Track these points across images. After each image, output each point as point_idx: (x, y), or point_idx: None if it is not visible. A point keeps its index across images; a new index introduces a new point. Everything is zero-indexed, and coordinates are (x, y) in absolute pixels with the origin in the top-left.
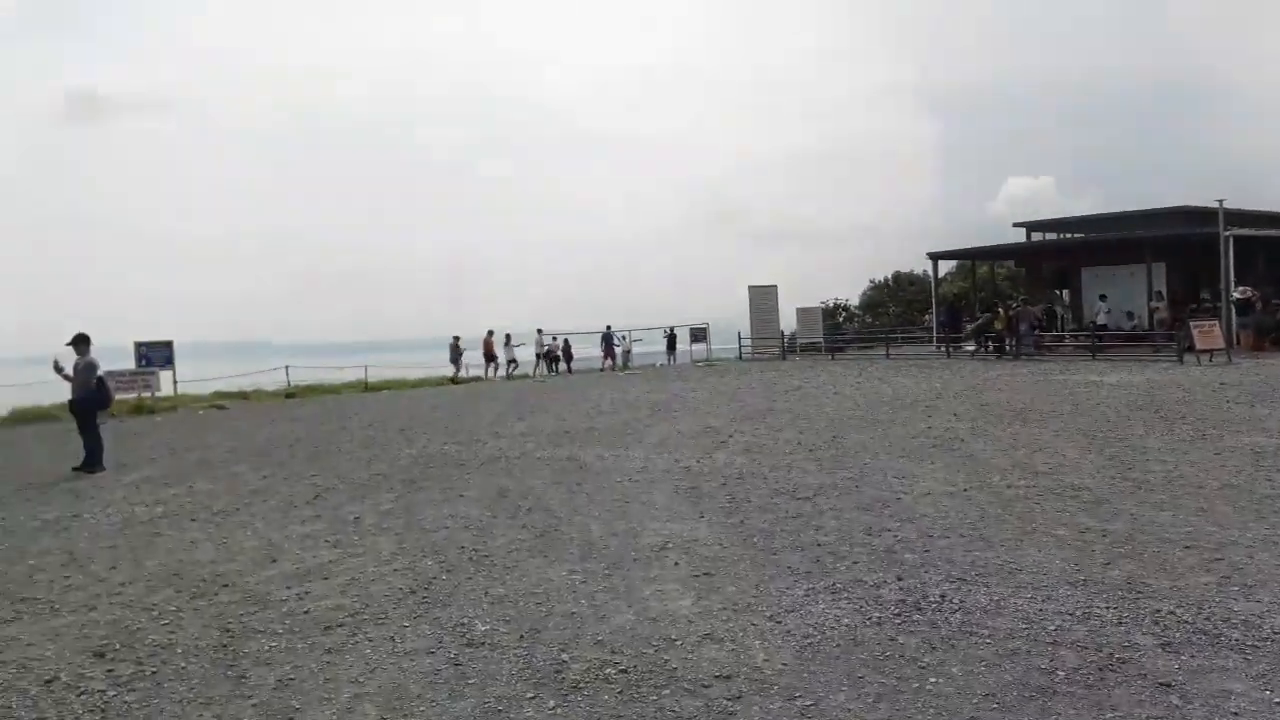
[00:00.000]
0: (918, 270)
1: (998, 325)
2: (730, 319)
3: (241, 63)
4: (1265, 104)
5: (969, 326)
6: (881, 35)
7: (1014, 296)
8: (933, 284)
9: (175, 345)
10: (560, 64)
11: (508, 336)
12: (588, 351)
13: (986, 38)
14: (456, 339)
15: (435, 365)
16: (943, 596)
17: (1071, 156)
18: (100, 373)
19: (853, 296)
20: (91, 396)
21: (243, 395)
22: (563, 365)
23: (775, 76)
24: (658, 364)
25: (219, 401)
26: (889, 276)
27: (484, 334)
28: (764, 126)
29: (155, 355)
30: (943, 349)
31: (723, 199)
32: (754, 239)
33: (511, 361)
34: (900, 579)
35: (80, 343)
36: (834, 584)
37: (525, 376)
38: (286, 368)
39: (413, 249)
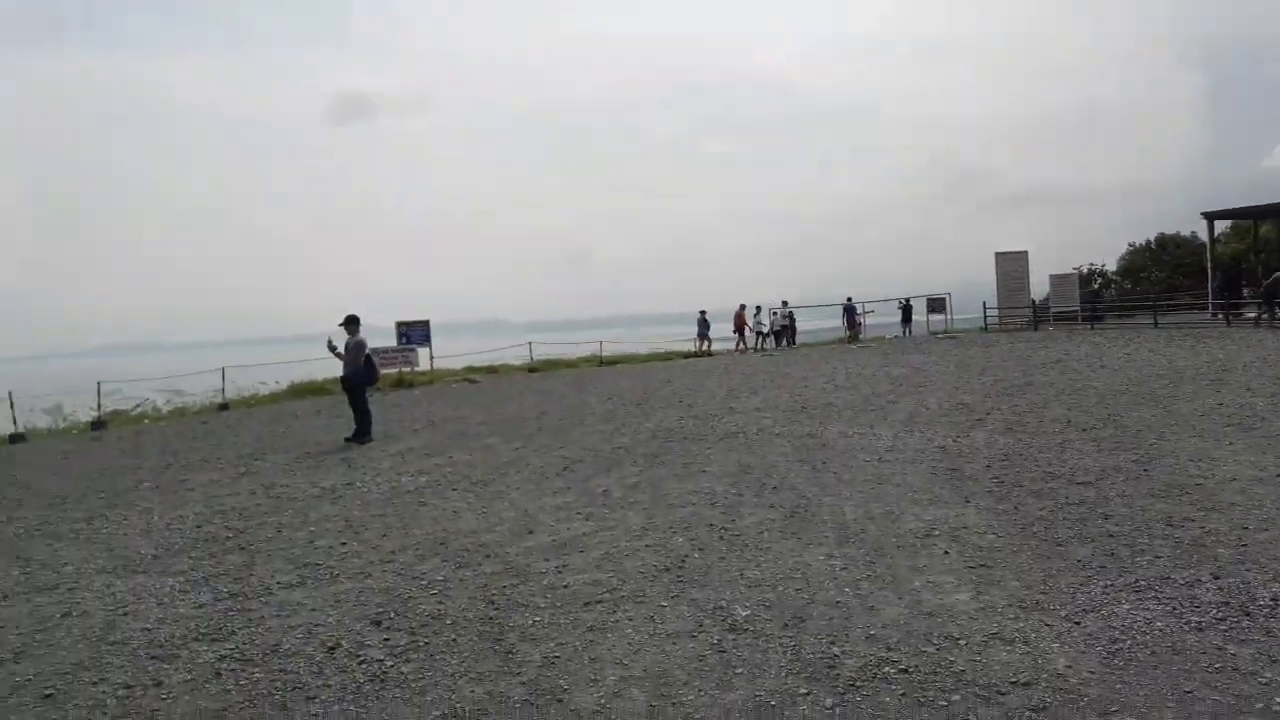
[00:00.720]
0: (1184, 231)
1: None
2: (970, 288)
3: (486, 61)
4: None
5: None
6: None
7: None
8: (1208, 246)
9: (430, 325)
10: (780, 37)
11: (758, 309)
12: (817, 324)
13: None
14: (703, 313)
15: (665, 339)
16: (1275, 600)
17: None
18: (368, 351)
19: (1109, 261)
20: (361, 373)
21: (491, 370)
22: (777, 341)
23: (1014, 36)
24: (889, 336)
25: (470, 376)
26: (1150, 239)
27: (735, 307)
28: (1003, 88)
29: (414, 334)
30: (1219, 317)
31: (960, 164)
32: (995, 204)
33: (761, 334)
34: (1217, 577)
35: (351, 323)
36: (1136, 581)
37: (763, 351)
38: (529, 344)
39: (641, 228)
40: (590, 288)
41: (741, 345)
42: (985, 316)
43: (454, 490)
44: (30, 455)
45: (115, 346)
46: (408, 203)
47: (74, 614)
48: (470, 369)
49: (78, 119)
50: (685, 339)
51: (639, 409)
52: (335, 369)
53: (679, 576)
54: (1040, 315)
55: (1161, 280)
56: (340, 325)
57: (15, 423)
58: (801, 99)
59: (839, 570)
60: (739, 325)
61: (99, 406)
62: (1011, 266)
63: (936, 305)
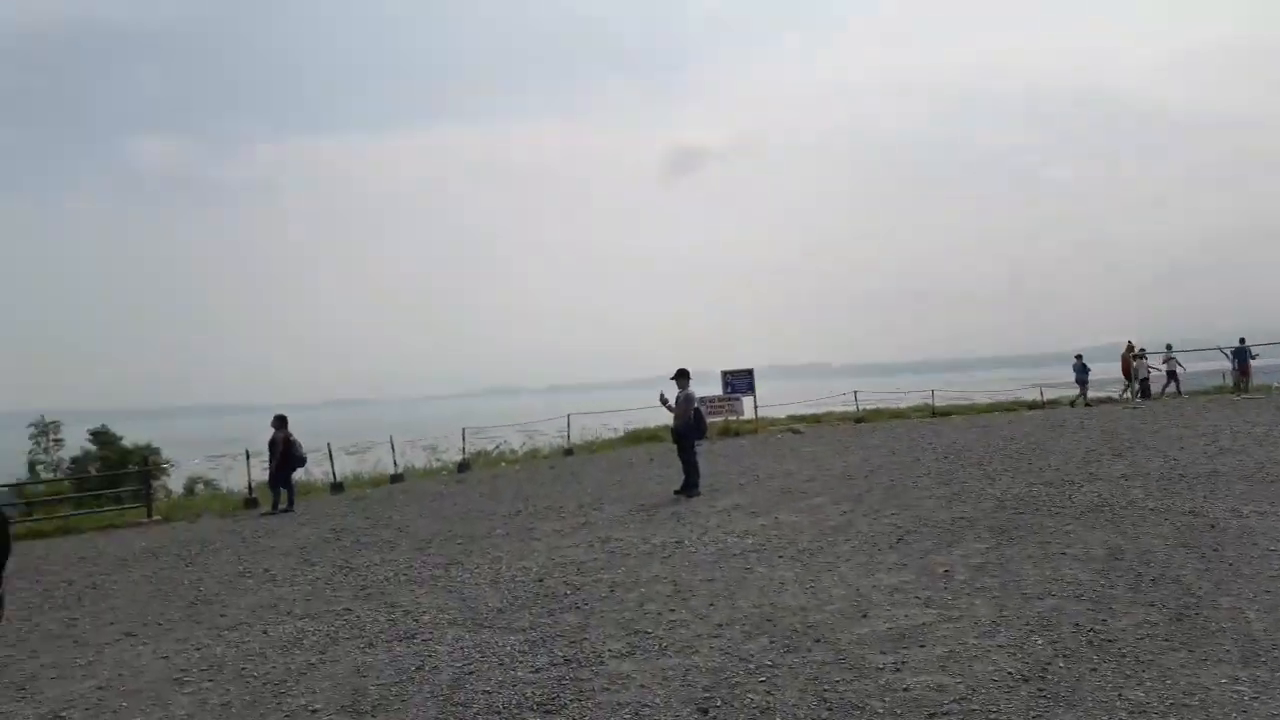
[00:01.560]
0: None
1: None
2: None
3: (813, 101)
4: None
5: None
6: None
7: None
8: None
9: (754, 373)
10: (1124, 53)
11: (1142, 350)
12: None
13: None
14: (1079, 357)
15: (1002, 388)
16: None
17: None
18: (697, 404)
19: None
20: (690, 426)
21: (814, 419)
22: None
23: None
24: (1276, 385)
25: (794, 426)
26: None
27: (1122, 348)
28: None
29: (739, 383)
30: None
31: None
32: None
33: (1143, 380)
34: None
35: (680, 377)
36: None
37: (1129, 402)
38: (855, 393)
39: (977, 263)
40: (918, 328)
41: (1130, 392)
42: None
43: (780, 557)
44: (405, 495)
45: (484, 390)
46: (735, 246)
47: (426, 668)
48: (793, 418)
49: (468, 184)
50: (1027, 385)
51: (980, 471)
52: (666, 418)
53: (1040, 689)
54: None
55: None
56: (671, 379)
57: (395, 464)
58: (1155, 116)
59: (1247, 699)
60: (1126, 369)
61: (464, 449)
62: None
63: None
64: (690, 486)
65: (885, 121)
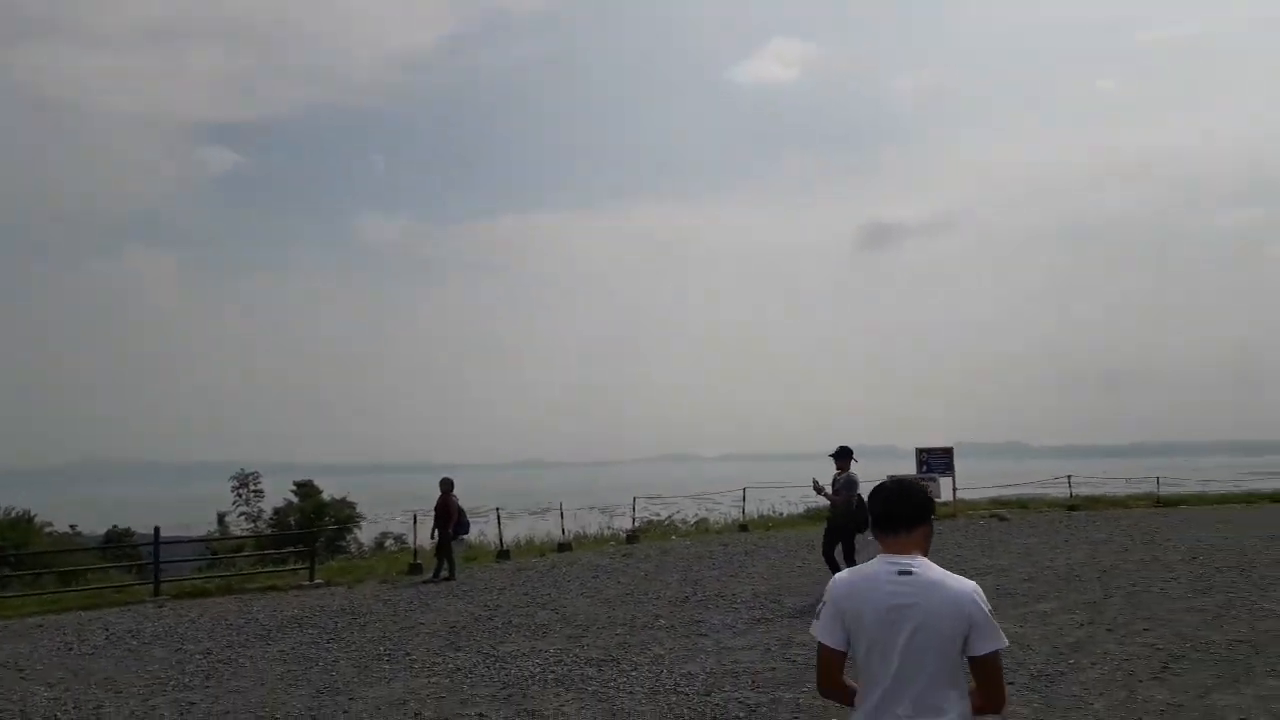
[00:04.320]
0: None
1: None
2: None
3: (1015, 180)
4: None
5: None
6: None
7: None
8: None
9: (953, 452)
10: None
11: None
12: None
13: None
14: None
15: (1224, 475)
16: None
17: None
18: (859, 490)
19: None
20: (851, 517)
21: (1020, 504)
22: None
23: None
24: None
25: (998, 511)
26: None
27: None
28: None
29: (936, 461)
30: None
31: None
32: None
33: None
34: None
35: (842, 455)
36: None
37: None
38: (1069, 477)
39: (1181, 343)
40: (1125, 410)
41: None
42: None
43: (1010, 683)
44: (570, 567)
45: (653, 458)
46: (929, 324)
47: None
48: (996, 502)
49: (637, 265)
50: (1251, 472)
51: (1243, 577)
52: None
53: None
54: None
55: None
56: (830, 456)
57: (564, 531)
58: None
59: None
60: None
61: (633, 520)
62: None
63: None
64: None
65: (1092, 202)
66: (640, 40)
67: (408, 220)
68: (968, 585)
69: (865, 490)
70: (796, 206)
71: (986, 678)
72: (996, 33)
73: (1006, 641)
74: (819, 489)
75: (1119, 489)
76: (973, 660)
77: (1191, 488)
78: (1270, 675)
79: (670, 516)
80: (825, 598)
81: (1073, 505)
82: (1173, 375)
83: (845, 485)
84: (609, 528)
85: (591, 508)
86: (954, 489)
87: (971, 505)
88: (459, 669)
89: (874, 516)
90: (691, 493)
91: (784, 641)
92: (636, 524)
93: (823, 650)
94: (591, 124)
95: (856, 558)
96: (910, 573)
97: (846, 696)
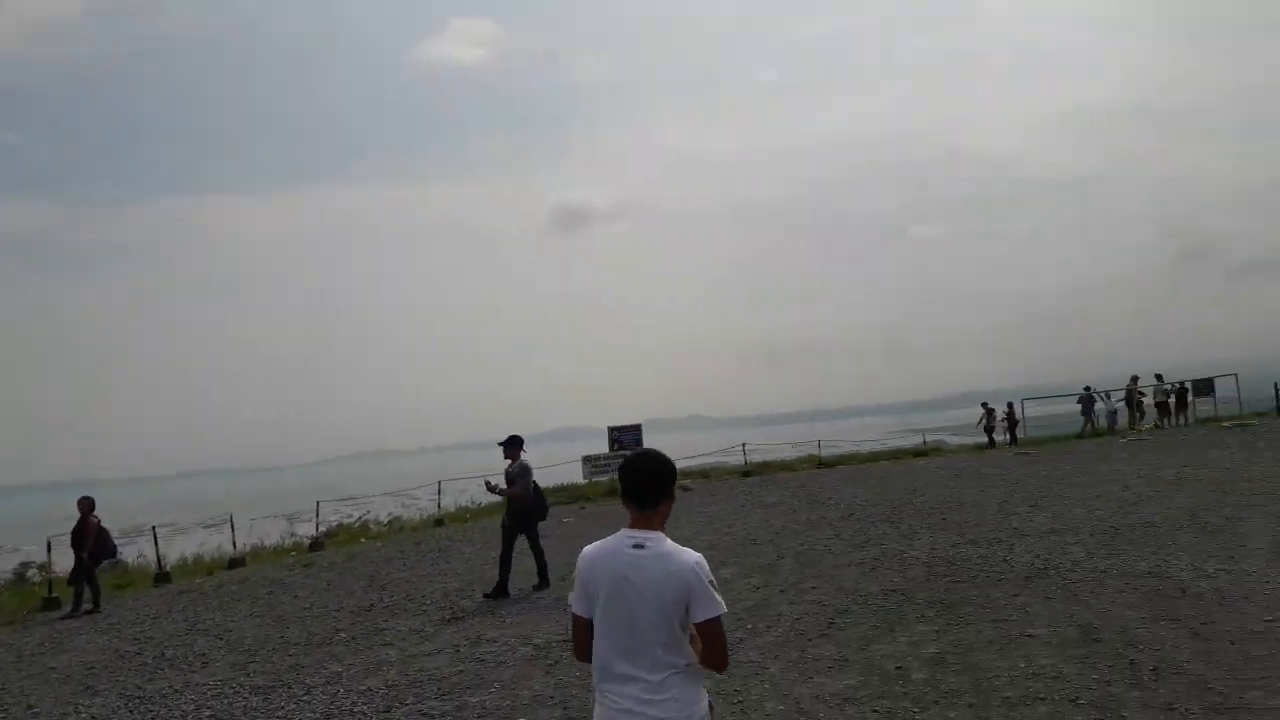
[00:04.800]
0: None
1: None
2: (1221, 367)
3: (692, 165)
4: None
5: None
6: None
7: None
8: None
9: (643, 429)
10: (986, 116)
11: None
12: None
13: None
14: (1088, 389)
15: (881, 435)
16: None
17: None
18: (534, 477)
19: None
20: (530, 507)
21: (702, 475)
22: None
23: (1236, 99)
24: (1144, 426)
25: (682, 481)
26: None
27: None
28: (1238, 150)
29: (626, 438)
30: None
31: (1190, 234)
32: (1234, 273)
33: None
34: None
35: (513, 445)
36: None
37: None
38: (744, 445)
39: (842, 319)
40: (795, 381)
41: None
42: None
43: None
44: (240, 586)
45: (342, 457)
46: (614, 304)
47: None
48: (681, 473)
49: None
50: (913, 430)
51: (894, 529)
52: (555, 474)
53: None
54: None
55: None
56: (499, 445)
57: (235, 544)
58: (1013, 175)
59: None
60: (1131, 400)
61: (316, 525)
62: None
63: (1203, 388)
64: (541, 578)
65: (762, 186)
66: (316, 15)
67: (47, 204)
68: (691, 558)
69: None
70: (488, 189)
71: (708, 641)
72: (667, 17)
73: (725, 609)
74: (492, 487)
75: (787, 454)
76: (696, 626)
77: (848, 449)
78: (919, 621)
79: (361, 517)
80: (577, 569)
81: (747, 472)
82: (839, 347)
83: (519, 474)
84: (292, 535)
85: (275, 515)
86: None
87: None
88: (94, 718)
89: (626, 493)
90: (388, 490)
91: (474, 640)
92: (322, 529)
93: (575, 620)
94: (260, 102)
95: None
96: (643, 546)
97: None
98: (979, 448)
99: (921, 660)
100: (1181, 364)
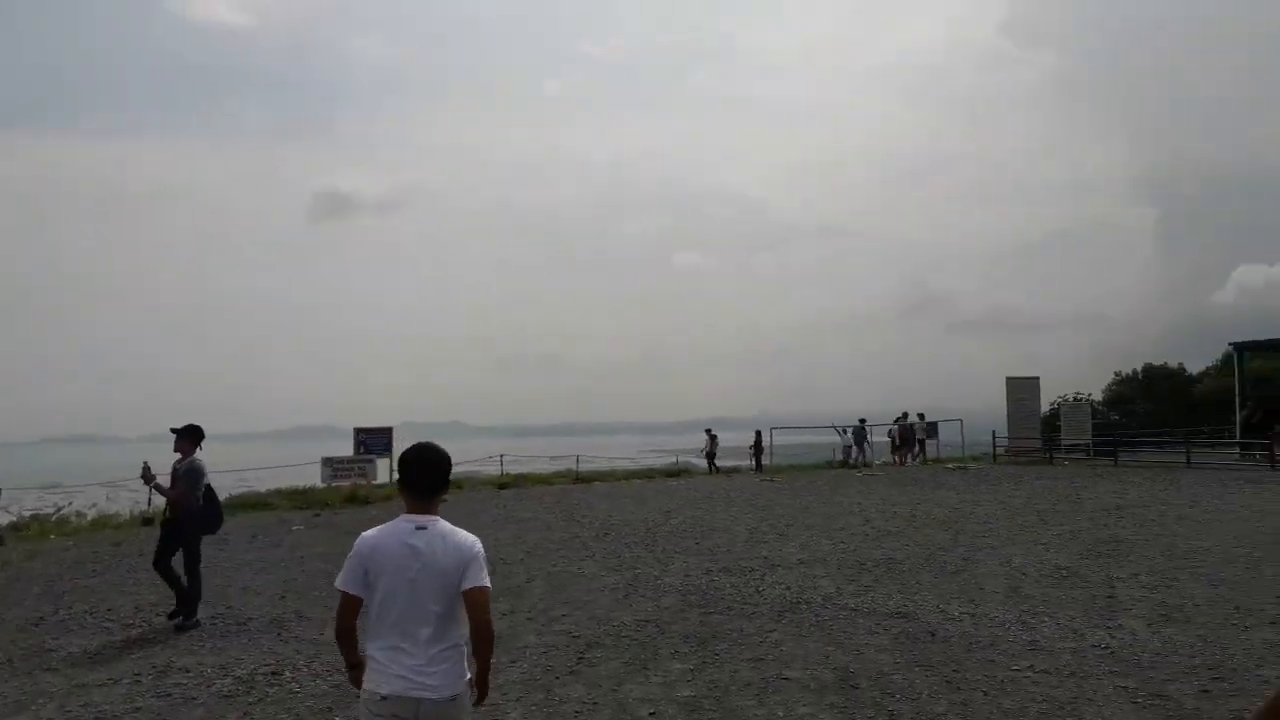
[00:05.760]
0: (1157, 362)
1: None
2: (941, 411)
3: (468, 167)
4: None
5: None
6: (1089, 124)
7: None
8: (1237, 378)
9: (393, 432)
10: (757, 157)
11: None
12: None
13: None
14: (862, 421)
15: (636, 453)
16: None
17: None
18: (208, 479)
19: (1094, 391)
20: (196, 515)
21: (457, 485)
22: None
23: (976, 169)
24: (875, 461)
25: None
26: (1138, 369)
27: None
28: (966, 216)
29: (374, 442)
30: (1258, 456)
31: (922, 288)
32: (954, 328)
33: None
34: None
35: (187, 437)
36: None
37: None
38: (501, 457)
39: (614, 336)
40: (555, 393)
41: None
42: (995, 446)
43: None
44: None
45: (66, 438)
46: (374, 302)
47: None
48: None
49: (47, 205)
50: (665, 451)
51: (648, 551)
52: (296, 474)
53: None
54: (1049, 446)
55: (1150, 412)
56: (173, 432)
57: None
58: (771, 218)
59: None
60: (904, 435)
61: None
62: (1024, 393)
63: (929, 430)
64: (186, 608)
65: (540, 196)
66: None
67: None
68: (471, 537)
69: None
70: (250, 163)
71: (474, 610)
72: (460, 16)
73: (489, 582)
74: (150, 479)
75: (545, 467)
76: (465, 594)
77: (604, 465)
78: (674, 657)
79: (60, 509)
80: (352, 552)
81: (503, 483)
82: (599, 364)
83: (186, 475)
84: None
85: None
86: (391, 470)
87: None
88: None
89: (406, 482)
90: (103, 479)
91: (162, 669)
92: (7, 522)
93: (345, 598)
94: None
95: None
96: (425, 528)
97: (352, 639)
98: (725, 473)
99: (677, 705)
100: (904, 407)
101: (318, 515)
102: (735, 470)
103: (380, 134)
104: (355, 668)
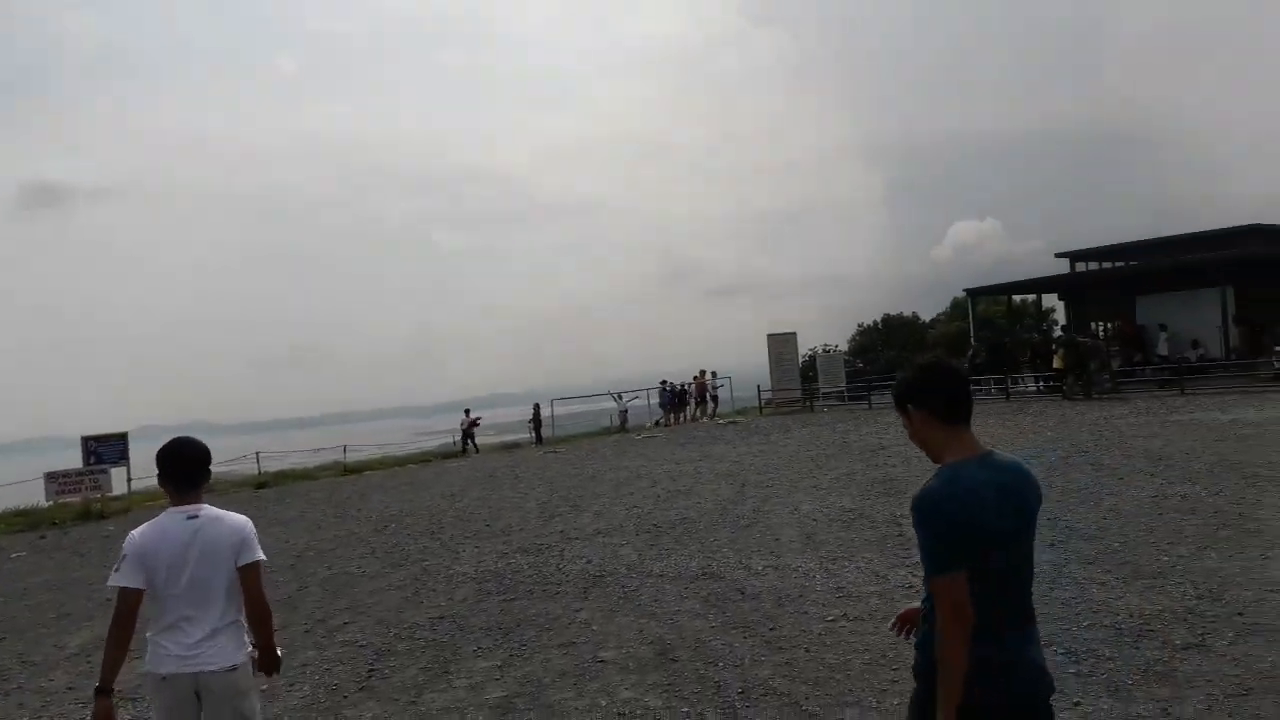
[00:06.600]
0: (897, 312)
1: (1057, 363)
2: (686, 374)
3: (198, 151)
4: (1193, 145)
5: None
6: (820, 100)
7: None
8: (971, 321)
9: (128, 438)
10: (513, 136)
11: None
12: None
13: (925, 96)
14: (664, 382)
15: (409, 438)
16: None
17: (1014, 201)
18: None
19: (840, 343)
20: None
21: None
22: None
23: (722, 143)
24: (649, 424)
25: None
26: (878, 320)
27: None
28: (714, 190)
29: (107, 451)
30: (992, 392)
31: (678, 259)
32: (716, 294)
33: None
34: None
35: None
36: None
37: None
38: (258, 454)
39: (370, 321)
40: (315, 384)
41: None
42: (760, 399)
43: None
44: None
45: None
46: (97, 298)
47: None
48: None
49: None
50: (441, 433)
51: (435, 540)
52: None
53: None
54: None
55: (892, 358)
56: None
57: None
58: (532, 197)
59: None
60: (701, 391)
61: None
62: (783, 348)
63: (683, 391)
64: None
65: (283, 179)
66: None
67: None
68: (242, 517)
69: None
70: None
71: (249, 586)
72: None
73: (264, 556)
74: None
75: (308, 460)
76: (240, 571)
77: (374, 453)
78: (477, 655)
79: None
80: (123, 552)
81: (261, 483)
82: (354, 350)
83: None
84: None
85: None
86: (129, 480)
87: (153, 496)
88: None
89: (167, 475)
90: None
91: None
92: None
93: (124, 593)
94: None
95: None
96: (196, 516)
97: (126, 641)
98: (506, 447)
99: (487, 710)
100: (675, 370)
101: (43, 538)
102: (515, 445)
103: (94, 118)
104: (105, 693)
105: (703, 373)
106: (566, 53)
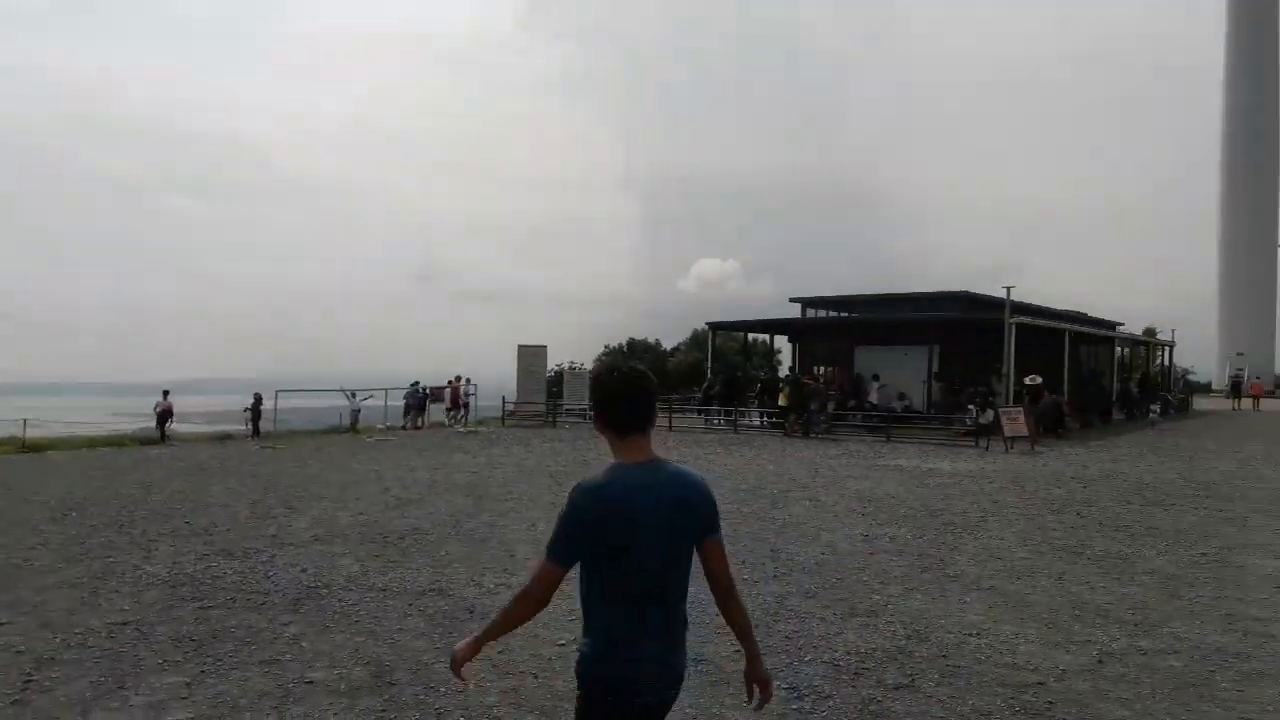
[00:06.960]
0: (642, 337)
1: (782, 401)
2: (428, 377)
3: None
4: (918, 209)
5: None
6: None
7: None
8: (710, 352)
9: None
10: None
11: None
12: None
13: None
14: (416, 384)
15: (104, 417)
16: None
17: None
18: None
19: (586, 361)
20: None
21: None
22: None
23: (486, 147)
24: (382, 425)
25: None
26: (623, 343)
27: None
28: (474, 191)
29: None
30: (720, 423)
31: (428, 257)
32: (459, 299)
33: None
34: None
35: None
36: None
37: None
38: None
39: (63, 279)
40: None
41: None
42: (504, 410)
43: None
44: None
45: None
46: None
47: None
48: None
49: None
50: (143, 415)
51: (122, 534)
52: None
53: None
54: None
55: None
56: None
57: None
58: (278, 171)
59: None
60: (455, 396)
61: None
62: (533, 361)
63: (437, 395)
64: None
65: None
66: None
67: None
68: None
69: None
70: None
71: None
72: None
73: None
74: None
75: None
76: None
77: (62, 430)
78: (163, 669)
79: None
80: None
81: None
82: (46, 311)
83: None
84: None
85: None
86: None
87: None
88: None
89: None
90: None
91: None
92: None
93: None
94: None
95: None
96: None
97: None
98: (218, 438)
99: None
100: (415, 373)
101: None
102: (228, 437)
103: None
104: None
105: (458, 378)
106: (330, 25)
